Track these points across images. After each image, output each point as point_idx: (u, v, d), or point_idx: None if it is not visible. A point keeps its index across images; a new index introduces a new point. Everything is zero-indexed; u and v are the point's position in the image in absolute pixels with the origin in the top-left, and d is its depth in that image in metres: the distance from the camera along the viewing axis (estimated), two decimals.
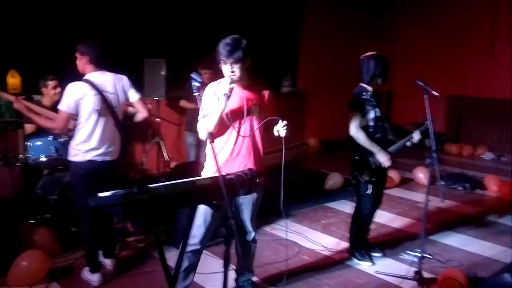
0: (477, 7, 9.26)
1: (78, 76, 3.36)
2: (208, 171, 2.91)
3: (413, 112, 8.64)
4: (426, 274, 3.54)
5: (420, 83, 3.63)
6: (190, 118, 5.70)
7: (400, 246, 4.25)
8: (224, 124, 2.82)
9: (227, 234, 2.06)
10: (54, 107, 3.98)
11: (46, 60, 5.17)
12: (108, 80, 3.36)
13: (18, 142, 4.81)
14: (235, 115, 2.86)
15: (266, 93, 3.05)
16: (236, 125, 2.86)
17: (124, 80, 3.46)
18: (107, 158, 3.37)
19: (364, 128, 3.67)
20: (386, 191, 6.08)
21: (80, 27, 5.38)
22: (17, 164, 4.35)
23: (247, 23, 7.88)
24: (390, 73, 3.85)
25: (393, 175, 6.41)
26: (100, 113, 3.28)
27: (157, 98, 6.03)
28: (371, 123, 3.69)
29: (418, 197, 5.81)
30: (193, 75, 2.49)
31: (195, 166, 5.33)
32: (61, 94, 4.50)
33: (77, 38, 3.42)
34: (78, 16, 5.61)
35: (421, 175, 6.53)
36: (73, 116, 3.28)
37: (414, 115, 8.78)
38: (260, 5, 8.06)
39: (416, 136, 3.80)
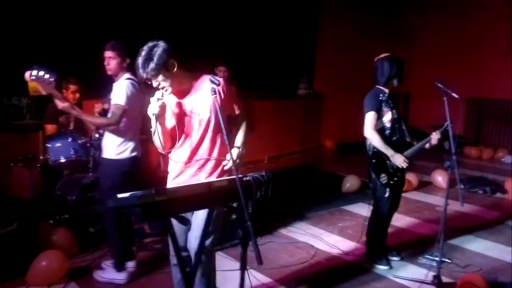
0: (496, 8, 9.11)
1: (102, 77, 3.41)
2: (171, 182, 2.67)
3: (431, 115, 8.51)
4: (444, 279, 3.48)
5: (440, 85, 3.59)
6: None
7: (418, 250, 4.19)
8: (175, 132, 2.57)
9: (244, 236, 2.06)
10: None
11: (68, 61, 5.24)
12: None
13: (38, 143, 4.90)
14: (186, 126, 2.60)
15: (220, 81, 2.68)
16: (194, 132, 2.60)
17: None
18: (139, 154, 3.47)
19: (381, 130, 3.64)
20: (404, 195, 6.02)
21: (105, 27, 5.46)
22: (37, 165, 4.44)
23: (264, 27, 7.91)
24: (407, 75, 3.82)
25: (411, 178, 6.34)
26: (140, 112, 3.35)
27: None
28: (388, 125, 3.66)
29: (437, 200, 5.73)
30: (211, 77, 2.49)
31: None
32: (79, 99, 4.61)
33: (102, 39, 3.44)
34: (104, 16, 5.68)
35: (440, 178, 6.44)
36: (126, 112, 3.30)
37: (432, 118, 8.66)
38: (276, 9, 8.07)
39: (436, 136, 3.75)
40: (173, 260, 2.64)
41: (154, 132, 2.48)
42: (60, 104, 3.15)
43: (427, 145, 3.79)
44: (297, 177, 6.88)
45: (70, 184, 4.25)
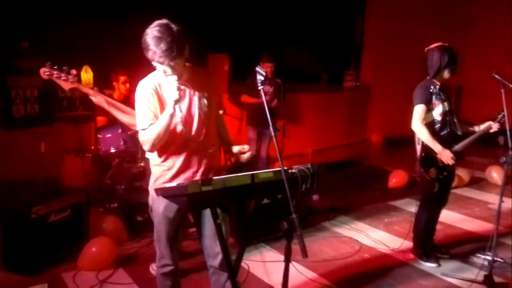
0: None
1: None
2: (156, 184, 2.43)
3: (484, 108, 8.12)
4: (497, 279, 3.33)
5: (497, 76, 3.41)
6: (251, 113, 5.74)
7: (468, 248, 4.03)
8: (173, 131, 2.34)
9: (289, 229, 2.05)
10: (124, 102, 4.12)
11: (116, 56, 5.41)
12: None
13: (90, 134, 5.09)
14: (187, 119, 2.38)
15: (209, 73, 2.58)
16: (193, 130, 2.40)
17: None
18: None
19: (431, 123, 3.50)
20: (455, 191, 5.82)
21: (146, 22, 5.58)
22: (89, 155, 4.62)
23: (310, 18, 7.82)
24: (460, 66, 3.65)
25: (463, 174, 6.09)
26: None
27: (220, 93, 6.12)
28: (439, 118, 3.51)
29: (490, 197, 5.48)
30: (258, 68, 2.47)
31: (256, 160, 5.39)
32: (130, 89, 4.73)
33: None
34: (147, 11, 5.82)
35: (495, 174, 6.14)
36: None
37: (486, 112, 8.27)
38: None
39: (495, 125, 3.56)
40: (166, 268, 2.53)
41: (152, 126, 2.28)
42: (94, 98, 2.90)
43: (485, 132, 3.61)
44: (342, 171, 6.79)
45: (119, 174, 4.39)
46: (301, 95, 7.52)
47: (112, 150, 4.36)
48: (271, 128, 2.23)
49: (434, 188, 3.58)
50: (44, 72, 2.66)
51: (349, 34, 8.98)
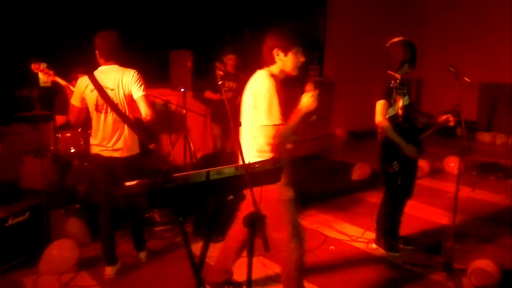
0: None
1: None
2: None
3: (444, 100, 8.41)
4: (456, 265, 3.46)
5: (452, 69, 3.51)
6: (215, 109, 5.71)
7: (429, 237, 4.17)
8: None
9: (250, 223, 2.05)
10: None
11: (76, 54, 5.26)
12: (110, 75, 3.25)
13: (49, 134, 4.94)
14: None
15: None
16: None
17: (129, 75, 3.27)
18: (116, 155, 3.31)
19: (393, 117, 3.57)
20: (416, 181, 5.99)
21: (106, 19, 5.45)
22: (48, 155, 4.48)
23: (271, 13, 7.83)
24: (419, 60, 3.74)
25: (423, 164, 6.27)
26: (99, 109, 3.25)
27: (183, 90, 6.06)
28: (400, 112, 3.59)
29: (449, 187, 5.66)
30: (217, 64, 2.46)
31: (221, 157, 5.37)
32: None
33: (108, 28, 3.34)
34: (104, 8, 5.68)
35: (452, 164, 6.36)
36: (85, 110, 3.32)
37: (445, 103, 8.54)
38: None
39: (450, 119, 3.67)
40: None
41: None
42: (72, 88, 3.27)
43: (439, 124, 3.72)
44: (307, 165, 6.86)
45: (80, 174, 4.28)
46: None
47: (72, 150, 4.24)
48: (232, 124, 2.22)
49: (397, 181, 3.67)
50: (34, 67, 3.38)
51: (312, 29, 9.05)
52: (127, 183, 2.14)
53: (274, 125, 2.48)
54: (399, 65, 3.58)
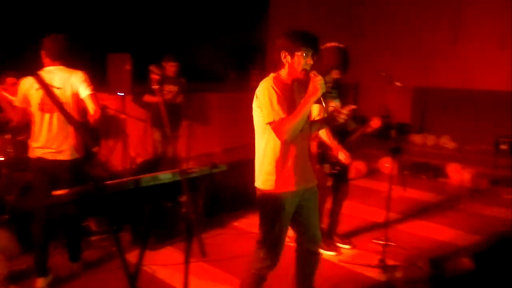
0: None
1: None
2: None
3: (379, 104, 8.78)
4: (389, 262, 3.62)
5: (383, 74, 3.67)
6: (155, 114, 5.62)
7: (366, 236, 4.33)
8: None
9: (187, 229, 2.04)
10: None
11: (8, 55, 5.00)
12: (57, 75, 3.21)
13: None
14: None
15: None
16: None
17: (77, 75, 3.26)
18: (60, 157, 3.21)
19: (324, 120, 3.69)
20: (353, 182, 6.19)
21: (45, 21, 5.23)
22: None
23: (215, 18, 7.85)
24: (356, 64, 3.86)
25: (360, 165, 6.53)
26: (44, 109, 3.17)
27: (122, 94, 5.91)
28: (330, 115, 3.72)
29: (384, 186, 5.90)
30: (152, 67, 2.42)
31: (162, 162, 5.29)
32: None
33: (42, 32, 3.32)
34: (44, 10, 5.44)
35: (386, 165, 6.66)
36: (27, 110, 3.20)
37: (381, 106, 8.93)
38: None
39: (375, 121, 3.80)
40: None
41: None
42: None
43: (369, 129, 3.85)
44: (250, 169, 6.89)
45: (9, 184, 4.05)
46: (209, 94, 7.53)
47: (1, 158, 4.01)
48: (167, 129, 2.19)
49: (328, 182, 3.80)
50: None
51: (255, 33, 9.15)
52: (56, 192, 2.06)
53: (278, 120, 2.46)
54: (329, 69, 3.69)
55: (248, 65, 9.15)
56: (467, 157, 8.12)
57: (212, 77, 8.42)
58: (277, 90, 2.49)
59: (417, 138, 9.54)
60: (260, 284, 2.77)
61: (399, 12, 10.05)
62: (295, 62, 2.53)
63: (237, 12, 8.33)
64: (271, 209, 2.62)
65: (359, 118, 4.14)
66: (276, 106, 2.46)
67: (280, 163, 2.57)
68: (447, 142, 9.23)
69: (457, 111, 9.53)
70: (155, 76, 2.39)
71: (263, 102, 2.49)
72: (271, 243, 2.67)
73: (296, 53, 2.52)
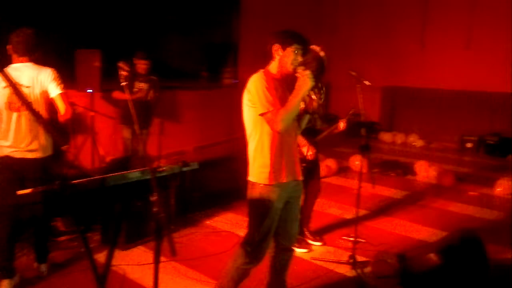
0: (408, 3, 9.70)
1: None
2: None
3: (350, 103, 8.90)
4: (359, 258, 3.68)
5: (353, 73, 3.72)
6: (124, 111, 5.53)
7: (336, 232, 4.39)
8: None
9: (157, 228, 2.02)
10: None
11: None
12: (24, 72, 3.11)
13: None
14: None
15: None
16: None
17: (46, 73, 3.18)
18: (29, 156, 3.12)
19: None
20: (325, 180, 6.27)
21: (12, 15, 5.06)
22: None
23: (186, 15, 7.77)
24: (328, 65, 3.91)
25: (331, 163, 6.60)
26: (12, 108, 3.06)
27: (91, 91, 5.78)
28: (299, 114, 3.75)
29: (354, 184, 6.00)
30: (120, 64, 2.38)
31: (132, 160, 5.20)
32: None
33: (8, 26, 3.23)
34: (10, 3, 5.26)
35: (356, 163, 6.76)
36: None
37: (351, 106, 9.06)
38: None
39: (341, 124, 3.88)
40: None
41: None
42: None
43: (335, 130, 3.92)
44: (222, 167, 6.87)
45: None
46: (180, 92, 7.46)
47: None
48: (136, 127, 2.16)
49: None
50: None
51: (226, 31, 9.10)
52: (21, 192, 2.00)
53: (271, 110, 2.49)
54: None
55: (220, 62, 9.11)
56: (434, 154, 8.36)
57: (184, 75, 8.35)
58: (268, 82, 2.55)
59: (386, 136, 9.73)
60: (242, 280, 2.78)
61: (369, 13, 10.24)
62: (285, 56, 2.60)
63: (209, 9, 8.27)
64: (262, 203, 2.64)
65: (329, 117, 4.18)
66: (269, 97, 2.51)
67: (273, 156, 2.61)
68: (415, 140, 9.47)
69: (424, 110, 9.79)
70: (123, 73, 2.34)
71: (256, 94, 2.54)
72: (259, 239, 2.67)
73: (288, 48, 2.59)
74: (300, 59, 2.61)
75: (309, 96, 2.65)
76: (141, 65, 5.43)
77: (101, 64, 5.69)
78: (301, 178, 2.81)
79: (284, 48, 2.61)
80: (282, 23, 9.45)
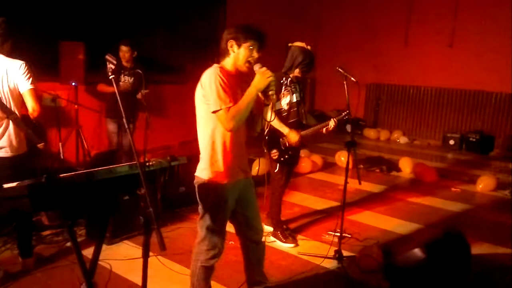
0: (393, 1, 9.78)
1: None
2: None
3: (335, 99, 8.99)
4: (345, 253, 3.72)
5: (340, 70, 3.74)
6: (110, 104, 5.47)
7: (322, 227, 4.42)
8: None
9: (145, 223, 2.00)
10: None
11: None
12: None
13: None
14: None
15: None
16: None
17: (16, 66, 2.99)
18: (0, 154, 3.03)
19: (278, 111, 3.76)
20: (310, 175, 6.31)
21: None
22: None
23: (170, 9, 7.70)
24: (314, 61, 3.94)
25: (317, 159, 6.63)
26: None
27: (75, 84, 5.69)
28: (286, 107, 3.81)
29: (340, 180, 6.04)
30: (108, 57, 2.35)
31: (117, 154, 5.15)
32: None
33: None
34: None
35: (342, 158, 6.81)
36: None
37: (336, 102, 9.13)
38: None
39: (332, 123, 3.88)
40: None
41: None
42: None
43: (324, 130, 3.92)
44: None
45: None
46: (167, 86, 7.40)
47: None
48: (124, 120, 2.13)
49: (274, 169, 3.88)
50: None
51: (212, 24, 9.05)
52: (5, 185, 1.97)
53: (225, 108, 2.43)
54: (290, 67, 3.80)
55: (205, 56, 9.04)
56: (417, 151, 8.47)
57: (169, 68, 8.27)
58: (223, 78, 2.47)
59: (370, 133, 9.82)
60: (210, 276, 2.80)
61: (354, 11, 10.29)
62: (241, 52, 2.52)
63: (195, 3, 8.20)
64: (213, 199, 2.63)
65: (318, 114, 4.21)
66: (223, 94, 2.44)
67: (223, 153, 2.58)
68: (399, 137, 9.57)
69: (408, 108, 9.90)
70: (111, 66, 2.28)
71: (210, 90, 2.48)
72: (214, 231, 2.68)
73: (243, 44, 2.51)
74: (256, 55, 2.54)
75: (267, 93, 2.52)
76: (122, 53, 5.34)
77: (85, 57, 5.61)
78: (251, 175, 2.82)
79: (239, 45, 2.52)
80: (267, 17, 9.49)
